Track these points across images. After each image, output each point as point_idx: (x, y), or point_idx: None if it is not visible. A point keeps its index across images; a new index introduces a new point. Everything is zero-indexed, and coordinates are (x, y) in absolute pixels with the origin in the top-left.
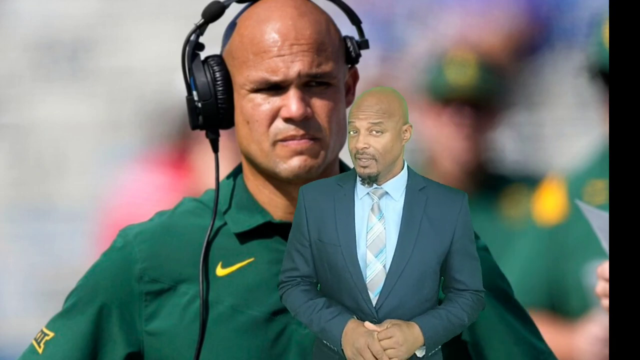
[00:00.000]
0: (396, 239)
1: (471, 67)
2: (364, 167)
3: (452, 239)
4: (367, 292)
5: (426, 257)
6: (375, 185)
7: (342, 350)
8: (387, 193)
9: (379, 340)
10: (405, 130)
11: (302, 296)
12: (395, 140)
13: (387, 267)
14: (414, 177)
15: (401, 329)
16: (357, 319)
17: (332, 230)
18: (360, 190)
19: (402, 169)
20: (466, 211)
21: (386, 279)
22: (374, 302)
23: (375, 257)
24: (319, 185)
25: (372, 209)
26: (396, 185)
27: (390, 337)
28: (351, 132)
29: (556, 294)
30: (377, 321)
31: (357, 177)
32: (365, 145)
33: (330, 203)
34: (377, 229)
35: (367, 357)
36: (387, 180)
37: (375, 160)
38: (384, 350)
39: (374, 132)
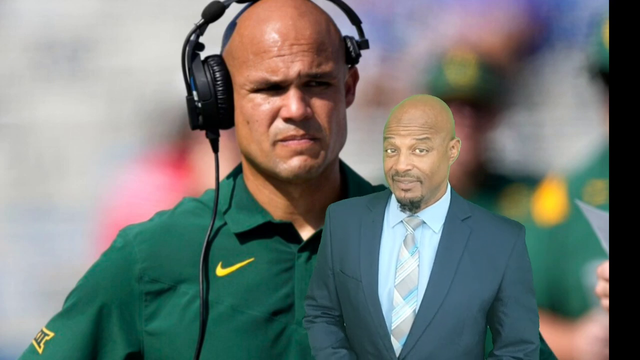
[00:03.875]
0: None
1: (471, 67)
2: (406, 190)
3: (500, 283)
4: (390, 339)
5: (464, 301)
6: (409, 213)
7: None
8: (424, 223)
9: None
10: (452, 146)
11: (324, 339)
12: (442, 159)
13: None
14: (458, 203)
15: None
16: None
17: (354, 261)
18: (393, 217)
19: (445, 193)
20: (521, 251)
21: (413, 325)
22: (397, 352)
23: (404, 299)
24: (348, 206)
25: (404, 241)
26: (436, 214)
27: None
28: (388, 151)
29: (556, 294)
30: None
31: (390, 201)
32: (409, 167)
33: (355, 229)
34: (408, 266)
35: None
36: (426, 207)
37: (421, 182)
38: None
39: (417, 151)
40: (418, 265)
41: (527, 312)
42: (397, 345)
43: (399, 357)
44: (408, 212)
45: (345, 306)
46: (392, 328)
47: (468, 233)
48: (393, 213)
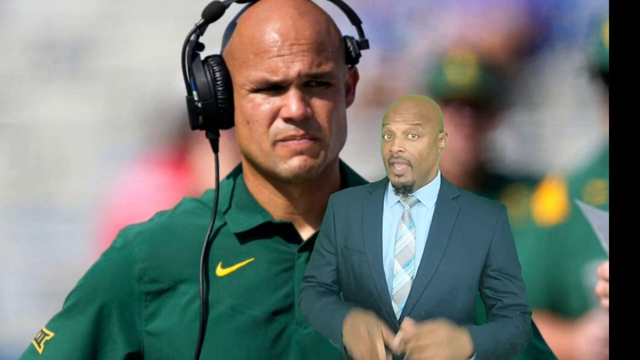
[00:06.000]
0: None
1: (471, 67)
2: (399, 175)
3: (487, 252)
4: (391, 304)
5: (457, 268)
6: (403, 196)
7: (345, 346)
8: (419, 201)
9: (419, 340)
10: (441, 138)
11: (314, 297)
12: (432, 146)
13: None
14: (448, 185)
15: (448, 328)
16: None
17: (358, 237)
18: (392, 198)
19: (436, 177)
20: (504, 224)
21: (411, 290)
22: (397, 316)
23: (403, 267)
24: (348, 193)
25: (402, 218)
26: (429, 194)
27: (434, 334)
28: (385, 137)
29: (556, 294)
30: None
31: (389, 185)
32: (401, 149)
33: (358, 210)
34: (406, 238)
35: (365, 340)
36: (419, 188)
37: (411, 166)
38: (421, 348)
39: (410, 136)
40: (415, 238)
41: (514, 278)
42: (397, 309)
43: (398, 320)
44: (400, 194)
45: (348, 279)
46: (393, 294)
47: (458, 209)
48: (391, 195)
